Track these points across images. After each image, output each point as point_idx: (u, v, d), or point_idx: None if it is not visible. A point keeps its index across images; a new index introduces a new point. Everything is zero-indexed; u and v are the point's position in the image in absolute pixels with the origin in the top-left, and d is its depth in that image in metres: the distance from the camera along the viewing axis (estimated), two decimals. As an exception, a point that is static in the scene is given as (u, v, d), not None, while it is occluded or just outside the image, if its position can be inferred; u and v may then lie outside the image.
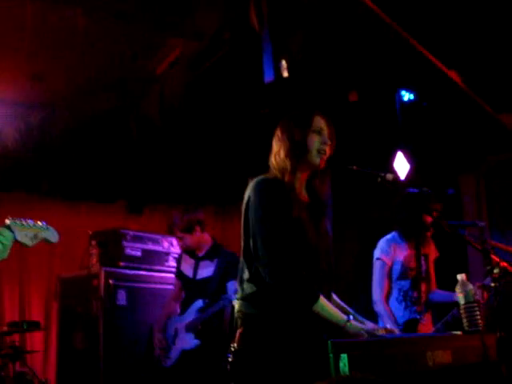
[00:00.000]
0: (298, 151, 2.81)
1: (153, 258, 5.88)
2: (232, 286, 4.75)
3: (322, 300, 2.62)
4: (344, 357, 2.22)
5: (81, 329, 5.27)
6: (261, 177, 2.83)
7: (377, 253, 4.55)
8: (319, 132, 2.87)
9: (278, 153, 2.85)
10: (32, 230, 3.26)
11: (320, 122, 2.90)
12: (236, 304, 2.77)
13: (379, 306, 4.43)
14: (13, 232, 3.16)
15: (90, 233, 5.88)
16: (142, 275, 5.73)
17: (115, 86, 5.45)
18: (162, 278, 5.82)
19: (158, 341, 4.89)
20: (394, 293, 4.52)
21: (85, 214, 7.19)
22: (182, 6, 4.71)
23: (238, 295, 2.78)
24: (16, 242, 3.17)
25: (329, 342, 2.24)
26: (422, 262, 4.55)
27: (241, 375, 2.65)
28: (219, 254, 4.95)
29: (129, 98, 5.67)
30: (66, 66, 5.06)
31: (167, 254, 6.04)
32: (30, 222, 3.27)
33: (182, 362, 4.77)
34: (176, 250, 5.99)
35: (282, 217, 2.68)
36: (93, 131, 6.02)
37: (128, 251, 5.72)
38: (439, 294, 4.70)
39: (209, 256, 4.96)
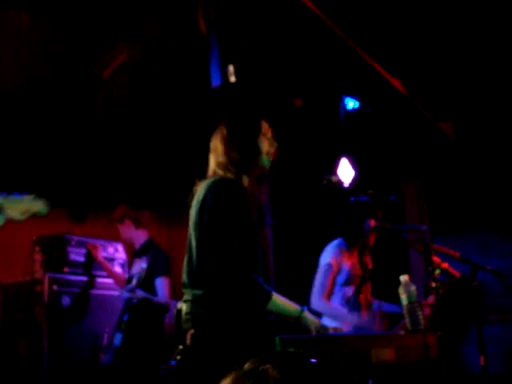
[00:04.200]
0: (251, 154, 2.86)
1: (98, 264, 5.82)
2: (158, 283, 4.99)
3: (275, 296, 2.68)
4: (291, 353, 2.25)
5: (24, 336, 5.17)
6: (218, 177, 2.83)
7: (326, 257, 4.57)
8: (266, 135, 2.94)
9: (228, 155, 2.86)
10: (23, 206, 3.24)
11: (264, 127, 2.96)
12: (184, 306, 2.77)
13: (320, 304, 4.42)
14: (3, 209, 3.15)
15: (34, 238, 5.78)
16: (86, 281, 5.66)
17: (60, 88, 5.39)
18: (106, 283, 5.76)
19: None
20: (338, 298, 4.56)
21: (27, 220, 7.05)
22: (128, 11, 4.70)
23: (186, 297, 2.78)
24: (7, 219, 3.17)
25: (276, 338, 2.27)
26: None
27: (191, 373, 2.64)
28: (150, 251, 5.12)
29: (74, 101, 5.60)
30: (10, 66, 4.98)
31: (112, 259, 5.98)
32: (20, 196, 3.24)
33: (115, 361, 4.91)
34: (121, 255, 5.95)
35: (240, 220, 2.71)
36: (35, 134, 5.92)
37: (72, 257, 5.65)
38: (388, 305, 4.78)
39: (141, 252, 5.17)
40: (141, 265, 5.06)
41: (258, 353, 2.48)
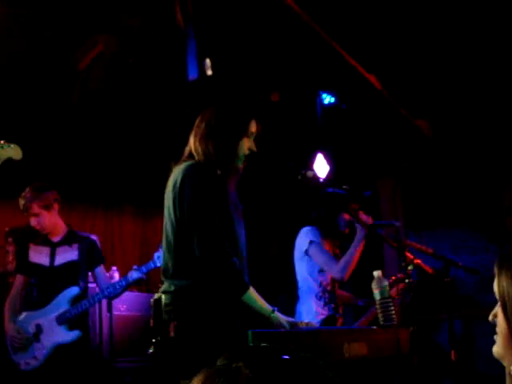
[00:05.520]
0: (226, 155, 2.84)
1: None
2: (100, 271, 4.64)
3: (251, 290, 2.69)
4: (264, 347, 2.26)
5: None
6: (194, 162, 2.82)
7: (308, 237, 4.51)
8: (250, 136, 2.90)
9: (206, 145, 2.84)
10: None
11: (253, 127, 2.92)
12: (163, 297, 2.76)
13: (340, 269, 4.33)
14: None
15: (6, 229, 5.73)
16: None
17: (36, 78, 5.34)
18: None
19: (15, 331, 4.45)
20: (315, 287, 4.53)
21: (0, 211, 7.00)
22: (107, 1, 4.67)
23: (166, 289, 2.78)
24: None
25: (249, 332, 2.27)
26: None
27: (176, 364, 2.63)
28: (77, 239, 4.68)
29: (50, 91, 5.56)
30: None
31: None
32: None
33: (55, 359, 4.41)
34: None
35: (218, 203, 2.70)
36: (10, 123, 5.86)
37: (45, 248, 5.58)
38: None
39: (67, 241, 4.66)
40: (70, 254, 4.63)
41: (236, 345, 2.50)
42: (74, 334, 4.41)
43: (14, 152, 3.24)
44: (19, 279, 4.71)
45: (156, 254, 4.43)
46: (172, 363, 2.64)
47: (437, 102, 6.13)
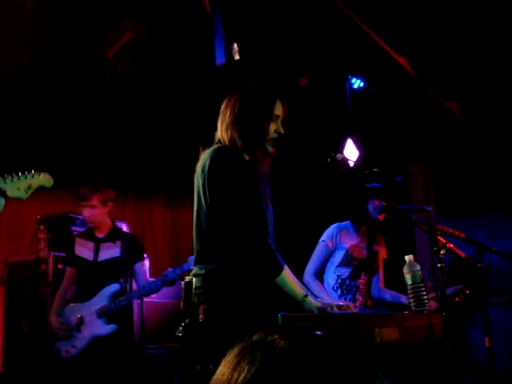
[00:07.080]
0: (253, 141, 2.81)
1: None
2: (139, 268, 4.79)
3: (286, 272, 2.66)
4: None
5: (28, 314, 5.17)
6: (221, 145, 2.81)
7: (323, 236, 4.58)
8: (276, 119, 2.88)
9: (232, 132, 2.82)
10: (25, 183, 3.26)
11: (278, 109, 2.89)
12: (194, 280, 2.74)
13: (311, 283, 4.40)
14: (4, 191, 3.18)
15: (39, 217, 5.78)
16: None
17: (64, 66, 5.36)
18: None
19: (59, 323, 4.65)
20: (331, 280, 4.50)
21: (32, 199, 7.04)
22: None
23: (197, 272, 2.76)
24: (9, 198, 3.20)
25: (279, 315, 2.25)
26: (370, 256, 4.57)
27: (205, 347, 2.60)
28: (121, 236, 4.86)
29: (79, 79, 5.58)
30: (14, 43, 4.95)
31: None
32: (22, 175, 3.28)
33: (92, 350, 4.59)
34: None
35: (248, 184, 2.70)
36: (38, 114, 5.91)
37: (77, 236, 5.62)
38: (390, 295, 4.73)
39: (111, 238, 4.83)
40: (113, 251, 4.78)
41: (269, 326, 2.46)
42: (110, 328, 4.59)
43: (44, 180, 3.35)
44: (68, 271, 4.92)
45: (190, 258, 4.46)
46: (201, 346, 2.62)
47: (468, 84, 6.03)
